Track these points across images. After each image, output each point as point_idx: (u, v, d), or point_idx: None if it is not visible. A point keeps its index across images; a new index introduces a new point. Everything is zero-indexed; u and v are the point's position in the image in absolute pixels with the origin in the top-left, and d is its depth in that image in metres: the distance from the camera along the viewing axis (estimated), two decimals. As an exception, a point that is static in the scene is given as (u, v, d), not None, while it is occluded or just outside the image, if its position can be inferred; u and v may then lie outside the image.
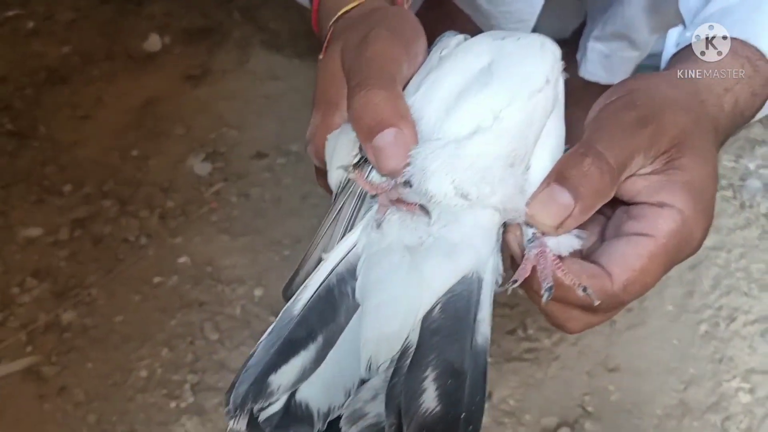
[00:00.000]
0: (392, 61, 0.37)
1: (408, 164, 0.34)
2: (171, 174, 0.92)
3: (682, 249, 0.36)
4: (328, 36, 0.45)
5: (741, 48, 0.45)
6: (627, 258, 0.35)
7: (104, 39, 1.18)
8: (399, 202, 0.35)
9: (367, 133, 0.35)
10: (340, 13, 0.45)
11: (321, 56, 0.46)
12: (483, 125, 0.35)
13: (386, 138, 0.35)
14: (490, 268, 0.35)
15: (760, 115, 0.47)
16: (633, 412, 0.64)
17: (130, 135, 0.99)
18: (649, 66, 0.77)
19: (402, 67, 0.38)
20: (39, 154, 0.96)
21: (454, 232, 0.35)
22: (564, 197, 0.33)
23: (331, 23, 0.45)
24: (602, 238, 0.38)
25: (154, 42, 1.16)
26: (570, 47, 0.81)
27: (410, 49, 0.39)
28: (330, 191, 0.40)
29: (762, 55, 0.45)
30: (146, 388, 0.69)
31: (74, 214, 0.87)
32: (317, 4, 0.48)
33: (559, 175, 0.34)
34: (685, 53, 0.46)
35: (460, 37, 0.40)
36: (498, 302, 0.74)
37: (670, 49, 0.50)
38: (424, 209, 0.35)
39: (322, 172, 0.40)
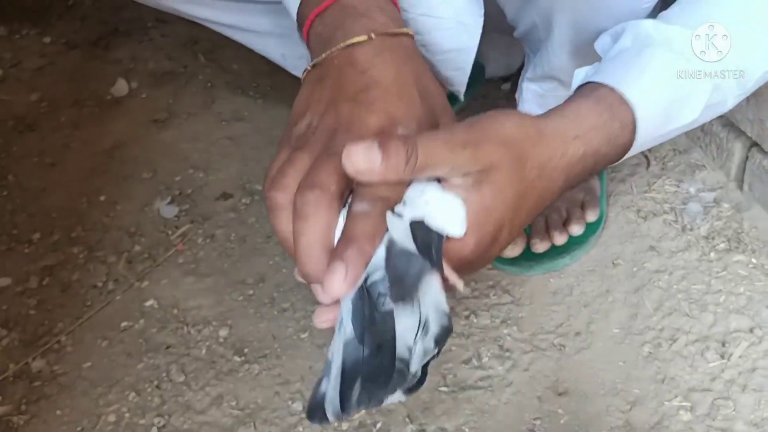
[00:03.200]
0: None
1: None
2: (138, 218, 0.95)
3: (449, 256, 0.43)
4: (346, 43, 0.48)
5: (607, 94, 0.50)
6: None
7: (71, 85, 1.21)
8: None
9: None
10: (348, 42, 0.47)
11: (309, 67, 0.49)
12: None
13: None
14: None
15: (630, 154, 0.53)
16: (580, 435, 0.67)
17: (97, 180, 1.01)
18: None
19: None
20: (8, 203, 0.99)
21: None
22: (376, 156, 0.41)
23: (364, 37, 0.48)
24: None
25: (121, 87, 1.20)
26: (515, 83, 0.85)
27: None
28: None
29: (624, 100, 0.50)
30: (114, 433, 0.71)
31: (43, 262, 0.90)
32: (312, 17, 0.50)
33: (382, 141, 0.41)
34: (575, 94, 0.52)
35: None
36: (453, 332, 0.77)
37: (576, 83, 0.55)
38: None
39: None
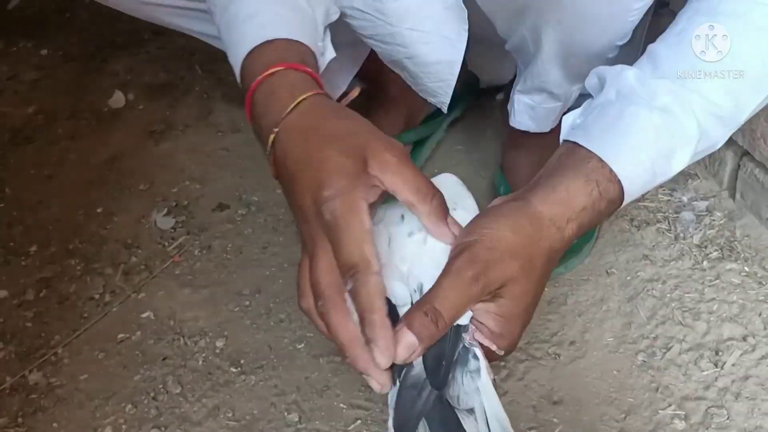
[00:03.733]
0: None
1: None
2: (135, 229, 0.95)
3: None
4: (271, 146, 0.50)
5: (595, 170, 0.53)
6: None
7: (68, 97, 1.22)
8: None
9: None
10: (281, 122, 0.50)
11: (270, 168, 0.52)
12: None
13: None
14: None
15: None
16: (575, 443, 0.68)
17: (94, 192, 1.02)
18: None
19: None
20: (5, 216, 0.99)
21: None
22: (410, 338, 0.46)
23: (273, 135, 0.50)
24: None
25: (118, 98, 1.20)
26: (509, 92, 0.86)
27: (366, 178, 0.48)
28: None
29: (613, 175, 0.53)
30: (111, 445, 0.71)
31: (40, 274, 0.90)
32: (251, 94, 0.53)
33: (408, 323, 0.46)
34: (559, 163, 0.54)
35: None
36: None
37: (564, 132, 0.57)
38: None
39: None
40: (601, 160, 0.53)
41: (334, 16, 0.66)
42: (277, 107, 0.50)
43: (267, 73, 0.52)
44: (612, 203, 0.54)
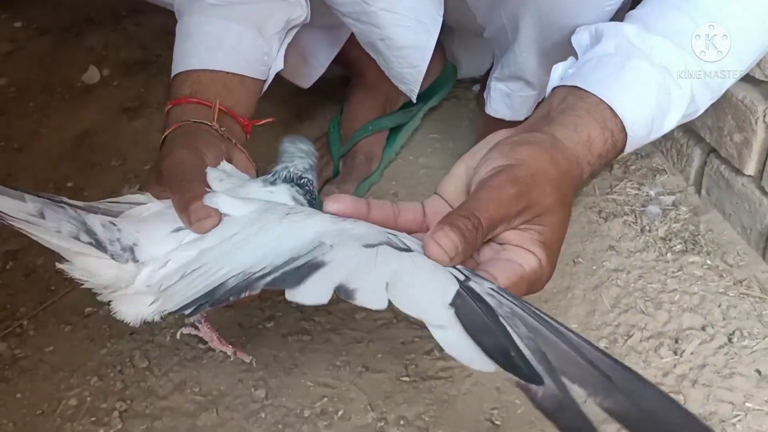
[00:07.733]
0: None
1: None
2: (105, 205, 0.94)
3: (533, 285, 0.48)
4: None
5: (609, 120, 0.53)
6: (506, 268, 0.47)
7: (42, 71, 1.20)
8: None
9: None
10: (166, 134, 0.63)
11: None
12: None
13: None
14: None
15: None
16: (536, 424, 0.69)
17: (65, 167, 1.01)
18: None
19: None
20: (-27, 187, 0.97)
21: None
22: (454, 237, 0.44)
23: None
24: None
25: (92, 74, 1.19)
26: (485, 84, 0.87)
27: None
28: None
29: (623, 128, 0.54)
30: (75, 417, 0.71)
31: (7, 246, 0.89)
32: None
33: (450, 223, 0.44)
34: (568, 105, 0.55)
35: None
36: (419, 323, 0.78)
37: (554, 82, 0.57)
38: None
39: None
40: (613, 111, 0.53)
41: (299, 20, 0.70)
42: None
43: (167, 108, 0.65)
44: (618, 151, 0.55)
